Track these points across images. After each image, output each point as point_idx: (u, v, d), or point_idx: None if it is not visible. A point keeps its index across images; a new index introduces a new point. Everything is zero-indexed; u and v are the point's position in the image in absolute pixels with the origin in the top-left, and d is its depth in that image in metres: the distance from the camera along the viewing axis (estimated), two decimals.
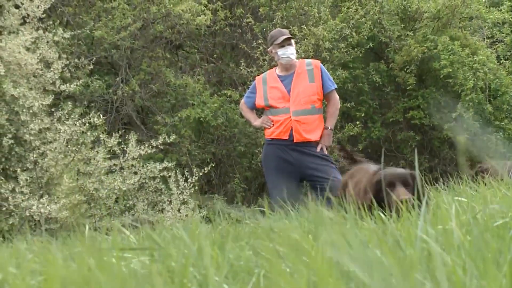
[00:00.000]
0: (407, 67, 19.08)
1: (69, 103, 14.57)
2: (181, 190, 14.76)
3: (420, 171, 16.76)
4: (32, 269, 2.84)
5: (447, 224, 2.67)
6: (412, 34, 19.64)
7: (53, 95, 14.18)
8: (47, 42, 14.54)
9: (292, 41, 9.01)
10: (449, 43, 19.25)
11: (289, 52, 8.82)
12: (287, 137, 8.63)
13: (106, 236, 4.70)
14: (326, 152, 8.84)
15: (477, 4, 21.61)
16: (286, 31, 9.32)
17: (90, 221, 12.96)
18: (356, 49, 18.96)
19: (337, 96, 9.08)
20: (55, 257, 2.82)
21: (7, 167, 13.08)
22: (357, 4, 19.34)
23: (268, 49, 9.20)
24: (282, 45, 8.82)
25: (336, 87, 9.13)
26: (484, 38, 22.13)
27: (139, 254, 3.09)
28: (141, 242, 3.79)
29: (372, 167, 5.65)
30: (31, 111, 13.26)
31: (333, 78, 10.56)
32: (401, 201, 4.57)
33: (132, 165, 14.55)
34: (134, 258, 3.00)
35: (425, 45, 19.24)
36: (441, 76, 18.98)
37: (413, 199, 4.52)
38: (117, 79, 17.75)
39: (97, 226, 12.20)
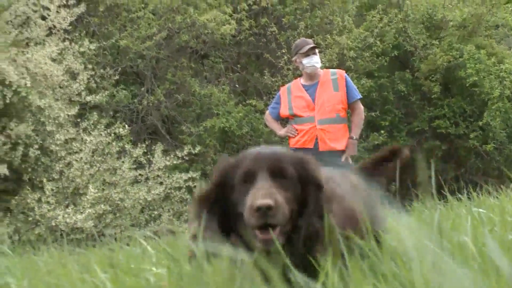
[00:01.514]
0: (433, 76, 18.99)
1: (94, 113, 14.69)
2: None
3: (446, 180, 16.69)
4: (47, 282, 2.86)
5: (463, 236, 2.66)
6: (438, 43, 19.56)
7: (79, 106, 14.30)
8: (73, 53, 14.66)
9: (317, 50, 9.01)
10: (475, 51, 19.14)
11: (314, 61, 8.81)
12: (312, 146, 8.60)
13: (127, 247, 4.72)
14: (351, 162, 8.81)
15: (503, 12, 21.51)
16: (310, 40, 9.32)
17: (115, 231, 13.04)
18: (380, 58, 18.92)
19: (362, 106, 9.05)
20: (70, 270, 2.84)
21: (33, 177, 13.19)
22: (381, 13, 19.31)
23: (293, 59, 9.20)
24: (307, 54, 8.81)
25: (361, 97, 9.10)
26: (511, 47, 21.99)
27: (156, 266, 3.11)
28: (159, 254, 3.80)
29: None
30: (57, 121, 13.38)
31: (358, 87, 10.55)
32: (256, 209, 2.56)
33: (158, 175, 14.61)
34: (151, 270, 3.02)
35: (451, 53, 19.15)
36: (467, 85, 18.87)
37: (284, 207, 2.63)
38: (143, 89, 17.85)
39: (118, 237, 12.25)
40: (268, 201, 2.56)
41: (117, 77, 17.06)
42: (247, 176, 2.72)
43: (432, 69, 18.97)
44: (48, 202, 12.82)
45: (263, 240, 2.62)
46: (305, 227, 2.71)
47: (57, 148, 13.33)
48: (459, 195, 5.61)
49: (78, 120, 14.31)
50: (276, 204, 2.59)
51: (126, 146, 14.47)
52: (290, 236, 2.71)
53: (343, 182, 3.19)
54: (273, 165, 2.73)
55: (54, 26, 14.57)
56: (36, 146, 13.03)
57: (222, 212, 2.80)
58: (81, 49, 14.93)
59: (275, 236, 2.61)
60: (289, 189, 2.72)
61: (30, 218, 12.80)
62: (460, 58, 19.15)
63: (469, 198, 5.47)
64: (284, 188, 2.70)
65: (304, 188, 2.77)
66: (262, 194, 2.59)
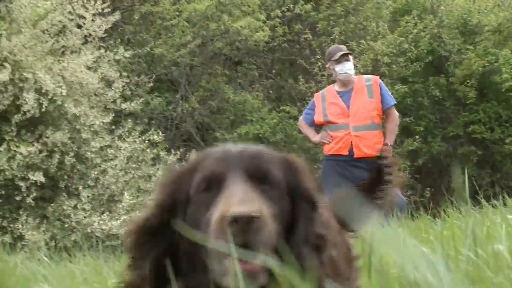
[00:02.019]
0: (468, 81, 18.87)
1: (129, 120, 14.78)
2: None
3: (481, 186, 16.56)
4: None
5: (498, 244, 2.64)
6: (473, 48, 19.44)
7: (114, 113, 14.40)
8: (108, 61, 14.77)
9: (350, 56, 8.97)
10: (510, 56, 18.99)
11: (347, 68, 8.78)
12: (346, 153, 8.56)
13: None
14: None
15: None
16: (343, 47, 9.30)
17: None
18: (415, 63, 18.85)
19: (396, 112, 9.01)
20: (105, 277, 2.86)
21: (69, 184, 13.30)
22: (416, 18, 19.24)
23: (326, 65, 9.20)
24: (339, 61, 8.78)
25: (395, 102, 9.07)
26: None
27: None
28: None
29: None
30: (92, 129, 13.48)
31: (392, 93, 10.50)
32: (230, 222, 1.70)
33: None
34: None
35: (486, 58, 19.02)
36: (503, 90, 18.73)
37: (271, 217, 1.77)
38: (177, 96, 17.92)
39: None
40: (249, 208, 1.69)
41: (151, 84, 17.15)
42: (211, 181, 1.85)
43: (467, 74, 18.86)
44: (83, 209, 12.93)
45: (244, 272, 1.70)
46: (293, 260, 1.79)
47: (93, 155, 13.44)
48: (495, 201, 5.55)
49: (113, 127, 14.42)
50: (261, 214, 1.72)
51: (160, 153, 14.56)
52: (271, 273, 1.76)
53: None
54: (251, 165, 1.89)
55: (90, 35, 14.69)
56: (71, 154, 13.14)
57: (169, 244, 1.90)
58: (116, 57, 15.04)
59: (257, 264, 1.72)
60: (275, 200, 1.87)
61: (66, 225, 12.91)
62: (495, 63, 19.02)
63: (504, 204, 5.41)
64: (268, 198, 1.84)
65: (293, 202, 1.93)
66: (239, 199, 1.72)
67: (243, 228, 1.69)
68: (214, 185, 1.84)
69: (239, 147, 1.96)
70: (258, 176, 1.86)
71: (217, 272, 1.76)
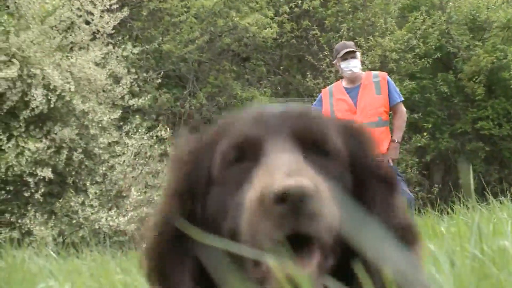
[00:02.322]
0: (476, 77, 18.82)
1: (137, 116, 14.80)
2: None
3: (489, 182, 16.52)
4: (89, 285, 2.90)
5: (504, 241, 2.62)
6: (481, 44, 19.38)
7: (122, 109, 14.42)
8: (117, 57, 14.79)
9: (357, 53, 8.95)
10: None
11: (352, 65, 8.76)
12: None
13: None
14: (392, 165, 8.75)
15: None
16: (350, 43, 9.29)
17: None
18: (423, 60, 18.81)
19: (404, 109, 9.00)
20: (112, 273, 2.87)
21: (77, 180, 13.33)
22: (424, 14, 19.19)
23: (333, 62, 9.22)
24: (344, 58, 8.77)
25: (403, 99, 9.05)
26: None
27: None
28: None
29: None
30: (100, 125, 13.50)
31: (400, 89, 10.50)
32: (276, 199, 1.17)
33: None
34: None
35: (495, 55, 18.96)
36: (511, 86, 18.68)
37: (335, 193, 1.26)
38: (185, 92, 17.93)
39: None
40: (302, 181, 1.20)
41: (159, 80, 17.16)
42: (244, 149, 1.38)
43: (476, 70, 18.81)
44: (91, 205, 12.94)
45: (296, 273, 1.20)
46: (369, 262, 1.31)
47: (100, 151, 13.46)
48: (502, 198, 5.54)
49: (121, 123, 14.44)
50: (318, 189, 1.22)
51: (168, 149, 14.56)
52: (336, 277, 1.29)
53: None
54: (298, 127, 1.39)
55: (98, 31, 14.70)
56: (79, 150, 13.16)
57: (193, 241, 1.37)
58: (124, 53, 15.06)
59: (314, 265, 1.24)
60: (334, 175, 1.35)
61: (74, 221, 12.93)
62: (504, 59, 18.96)
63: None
64: (325, 172, 1.32)
65: (357, 181, 1.42)
66: (285, 170, 1.22)
67: (294, 210, 1.19)
68: (247, 154, 1.36)
69: (280, 106, 1.46)
70: (309, 142, 1.36)
71: (257, 274, 1.26)
